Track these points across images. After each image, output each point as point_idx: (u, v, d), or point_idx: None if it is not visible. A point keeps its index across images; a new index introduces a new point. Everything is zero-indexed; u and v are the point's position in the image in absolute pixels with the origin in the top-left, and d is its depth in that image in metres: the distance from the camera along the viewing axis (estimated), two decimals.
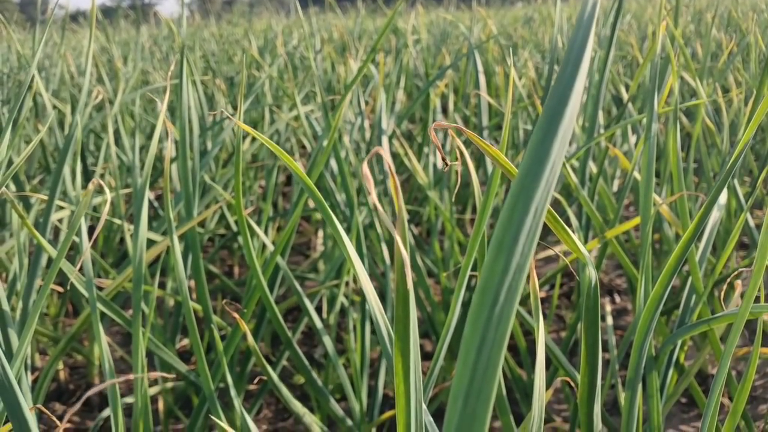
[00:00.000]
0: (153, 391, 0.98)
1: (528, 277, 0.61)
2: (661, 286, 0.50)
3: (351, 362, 0.83)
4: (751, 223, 1.04)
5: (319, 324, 0.79)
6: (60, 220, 1.30)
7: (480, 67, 1.25)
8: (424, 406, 0.33)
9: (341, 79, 1.80)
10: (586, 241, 0.99)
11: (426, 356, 1.20)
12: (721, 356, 0.41)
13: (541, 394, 0.36)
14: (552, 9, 5.41)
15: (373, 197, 0.22)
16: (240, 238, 1.27)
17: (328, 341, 0.79)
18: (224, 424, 0.56)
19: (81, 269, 1.22)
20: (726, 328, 1.16)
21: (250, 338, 0.58)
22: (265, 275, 0.71)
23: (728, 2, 3.15)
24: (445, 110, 1.97)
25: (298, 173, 0.41)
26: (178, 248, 0.61)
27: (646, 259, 0.64)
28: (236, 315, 0.55)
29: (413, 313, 0.25)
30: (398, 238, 0.22)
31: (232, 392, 0.61)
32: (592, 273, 0.40)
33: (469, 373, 0.21)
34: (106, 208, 0.53)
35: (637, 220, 0.75)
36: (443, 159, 0.35)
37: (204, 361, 0.61)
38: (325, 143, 1.15)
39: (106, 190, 0.51)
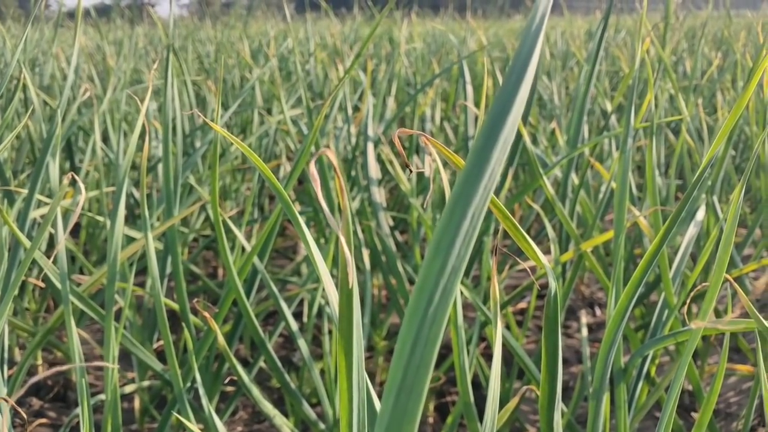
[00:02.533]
0: (129, 389, 0.98)
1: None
2: (626, 298, 0.51)
3: (325, 366, 0.83)
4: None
5: (294, 327, 0.79)
6: (43, 216, 1.30)
7: (468, 78, 1.26)
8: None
9: (332, 85, 1.81)
10: (564, 253, 0.99)
11: None
12: (675, 369, 0.42)
13: (494, 400, 0.36)
14: (548, 22, 5.44)
15: (319, 197, 0.22)
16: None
17: (303, 344, 0.79)
18: (191, 424, 0.56)
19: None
20: (702, 343, 1.17)
21: (221, 339, 0.58)
22: (241, 276, 0.71)
23: (721, 22, 3.18)
24: (442, 121, 1.98)
25: (268, 176, 0.41)
26: (152, 246, 0.61)
27: (617, 272, 0.65)
28: (207, 315, 0.56)
29: (357, 312, 0.26)
30: (342, 238, 0.23)
31: (201, 391, 0.62)
32: (552, 284, 0.41)
33: (402, 370, 0.21)
34: (80, 204, 0.53)
35: (611, 234, 0.76)
36: (406, 165, 0.36)
37: (175, 360, 0.61)
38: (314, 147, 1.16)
39: (81, 186, 0.52)
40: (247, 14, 4.27)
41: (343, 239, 0.23)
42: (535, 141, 1.75)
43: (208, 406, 0.57)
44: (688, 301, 0.47)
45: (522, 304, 1.39)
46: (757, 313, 0.50)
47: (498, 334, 0.40)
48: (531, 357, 1.12)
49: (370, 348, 1.22)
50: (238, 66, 2.41)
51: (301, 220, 0.39)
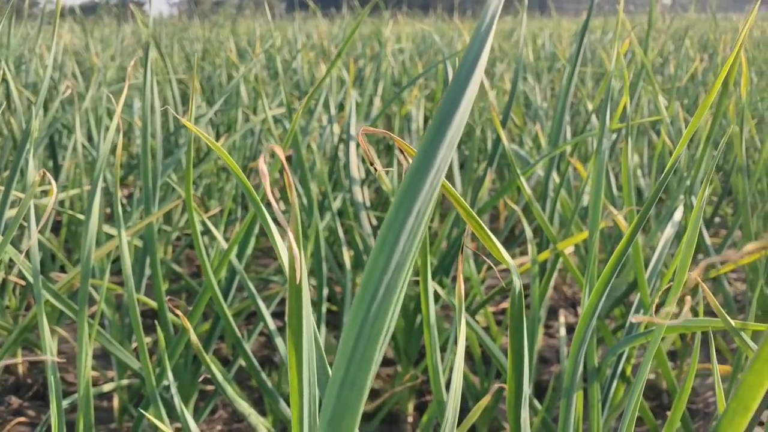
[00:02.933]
0: (108, 387, 0.98)
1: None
2: (595, 297, 0.51)
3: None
4: (708, 241, 1.06)
5: (272, 326, 0.79)
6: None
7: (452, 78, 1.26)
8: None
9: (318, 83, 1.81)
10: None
11: (386, 362, 1.21)
12: (640, 367, 0.42)
13: (456, 398, 0.37)
14: (536, 23, 5.46)
15: (268, 192, 0.23)
16: (206, 238, 1.27)
17: (281, 343, 0.79)
18: (163, 426, 0.56)
19: (40, 262, 1.22)
20: (681, 343, 1.18)
21: (193, 338, 0.58)
22: (218, 274, 0.71)
23: (708, 25, 3.20)
24: (425, 119, 1.98)
25: (237, 173, 0.41)
26: (125, 243, 0.61)
27: (591, 271, 0.65)
28: (180, 314, 0.56)
29: (307, 308, 0.26)
30: (290, 234, 0.23)
31: (173, 390, 0.62)
32: (516, 282, 0.41)
33: (345, 364, 0.21)
34: (52, 201, 0.53)
35: (586, 234, 0.76)
36: (371, 164, 0.36)
37: (147, 359, 0.61)
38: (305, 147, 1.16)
39: (53, 183, 0.51)
40: (237, 13, 4.26)
41: (291, 236, 0.23)
42: (521, 141, 1.76)
43: (181, 406, 0.57)
44: (655, 302, 0.48)
45: (505, 304, 1.40)
46: (724, 313, 0.50)
47: (461, 333, 0.40)
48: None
49: None
50: (225, 65, 2.41)
51: (269, 219, 0.39)
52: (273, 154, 1.78)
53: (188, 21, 4.35)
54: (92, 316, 1.34)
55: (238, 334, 0.71)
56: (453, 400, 0.37)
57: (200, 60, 2.97)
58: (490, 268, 1.27)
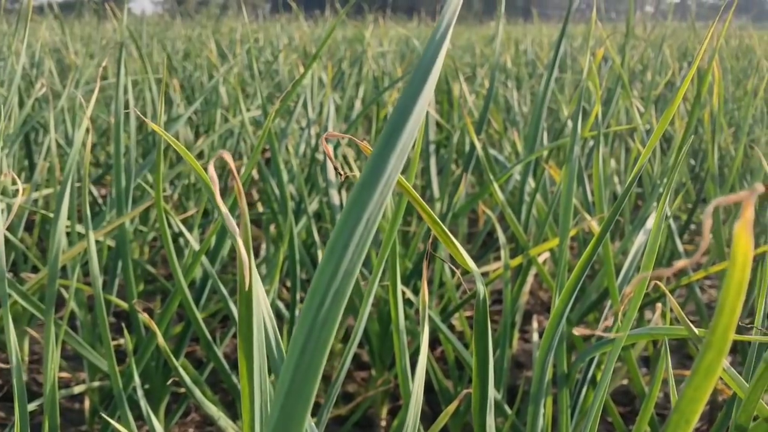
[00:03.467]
0: (78, 389, 0.97)
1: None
2: (562, 304, 0.51)
3: None
4: (680, 248, 1.07)
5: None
6: None
7: None
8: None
9: (300, 85, 1.81)
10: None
11: (361, 366, 1.21)
12: (602, 374, 0.43)
13: (417, 402, 0.37)
14: (519, 29, 5.49)
15: (218, 199, 0.23)
16: (181, 239, 1.26)
17: None
18: (126, 431, 0.56)
19: (12, 262, 1.20)
20: (654, 349, 1.19)
21: (161, 341, 0.58)
22: (189, 276, 0.70)
23: (687, 34, 3.24)
24: None
25: (202, 176, 0.41)
26: (93, 244, 0.61)
27: (561, 277, 0.66)
28: (147, 317, 0.55)
29: (258, 315, 0.26)
30: (240, 241, 0.23)
31: (140, 393, 0.61)
32: (480, 289, 0.41)
33: (291, 373, 0.21)
34: (19, 199, 0.53)
35: (557, 240, 0.77)
36: (335, 169, 0.36)
37: (114, 362, 0.60)
38: (287, 148, 1.16)
39: (18, 181, 0.51)
40: (220, 13, 4.25)
41: (241, 244, 0.23)
42: (501, 146, 1.76)
43: (147, 409, 0.57)
44: (621, 309, 0.48)
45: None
46: (687, 321, 0.51)
47: (424, 340, 0.40)
48: None
49: None
50: (207, 65, 2.40)
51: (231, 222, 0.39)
52: (263, 149, 1.78)
53: (171, 20, 4.32)
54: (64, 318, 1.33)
55: (209, 338, 0.71)
56: (414, 406, 0.37)
57: (182, 60, 2.96)
58: (467, 272, 1.27)
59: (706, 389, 0.20)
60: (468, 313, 1.33)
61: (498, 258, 1.52)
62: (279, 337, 0.41)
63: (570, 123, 1.18)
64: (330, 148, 0.35)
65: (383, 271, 1.00)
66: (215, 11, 4.78)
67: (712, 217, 1.09)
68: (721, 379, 0.62)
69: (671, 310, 1.39)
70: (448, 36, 0.25)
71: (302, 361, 0.21)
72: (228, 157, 0.22)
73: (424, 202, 0.39)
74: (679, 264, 0.19)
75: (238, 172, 1.53)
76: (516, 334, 1.27)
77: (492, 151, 1.53)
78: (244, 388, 0.27)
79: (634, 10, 1.38)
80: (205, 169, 0.32)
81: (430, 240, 0.42)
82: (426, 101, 0.24)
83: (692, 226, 1.67)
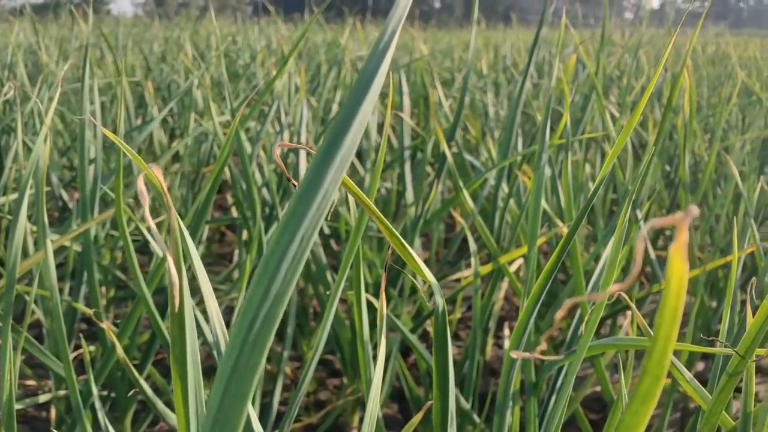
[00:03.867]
0: (44, 398, 0.95)
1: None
2: (525, 314, 0.51)
3: None
4: (652, 255, 1.07)
5: (210, 337, 0.77)
6: None
7: (405, 89, 1.26)
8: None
9: (275, 88, 1.80)
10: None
11: (334, 373, 1.20)
12: (563, 383, 0.42)
13: (372, 416, 0.36)
14: (500, 34, 5.51)
15: (146, 214, 0.22)
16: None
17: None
18: None
19: None
20: (626, 357, 1.19)
21: (119, 350, 0.56)
22: (151, 284, 0.69)
23: (663, 41, 3.26)
24: (380, 128, 1.98)
25: (154, 182, 0.40)
26: (50, 250, 0.59)
27: (529, 286, 0.65)
28: (105, 326, 0.54)
29: (191, 336, 0.25)
30: (170, 259, 0.22)
31: (97, 404, 0.60)
32: (439, 300, 0.41)
33: (218, 400, 0.20)
34: None
35: (525, 249, 0.76)
36: (288, 178, 0.35)
37: (71, 371, 0.59)
38: (259, 153, 1.14)
39: None
40: (199, 15, 4.22)
41: (171, 262, 0.22)
42: (478, 152, 1.76)
43: (105, 421, 0.55)
44: (586, 318, 0.48)
45: (456, 314, 1.40)
46: (650, 331, 0.51)
47: (381, 351, 0.40)
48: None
49: (299, 358, 1.21)
50: (184, 67, 2.37)
51: (183, 231, 0.38)
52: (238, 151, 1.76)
53: (150, 22, 4.29)
54: (31, 326, 1.31)
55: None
56: (370, 417, 0.36)
57: (159, 62, 2.93)
58: (444, 277, 1.27)
59: (644, 415, 0.19)
60: None
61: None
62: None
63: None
64: (280, 159, 0.34)
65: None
66: (195, 13, 4.75)
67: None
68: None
69: (646, 315, 1.39)
70: (392, 46, 0.25)
71: (230, 388, 0.21)
72: (158, 172, 0.21)
73: (381, 215, 0.39)
74: (614, 288, 0.18)
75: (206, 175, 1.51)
76: (490, 341, 1.27)
77: (468, 157, 1.53)
78: (179, 411, 0.26)
79: (612, 16, 1.39)
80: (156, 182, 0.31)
81: (390, 251, 0.42)
82: (366, 114, 0.23)
83: (667, 232, 1.68)
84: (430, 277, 0.40)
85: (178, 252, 0.23)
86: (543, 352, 0.92)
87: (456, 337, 1.35)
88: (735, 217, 0.67)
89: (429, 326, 1.28)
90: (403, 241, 0.39)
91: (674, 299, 0.18)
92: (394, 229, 0.39)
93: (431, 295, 1.17)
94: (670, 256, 0.17)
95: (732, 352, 0.44)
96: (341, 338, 1.06)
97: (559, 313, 0.20)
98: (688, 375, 0.49)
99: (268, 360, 1.19)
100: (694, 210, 0.17)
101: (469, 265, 1.43)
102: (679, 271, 0.18)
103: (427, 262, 1.48)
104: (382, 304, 0.42)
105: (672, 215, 0.17)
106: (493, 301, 1.08)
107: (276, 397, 0.90)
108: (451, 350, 1.12)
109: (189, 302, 0.24)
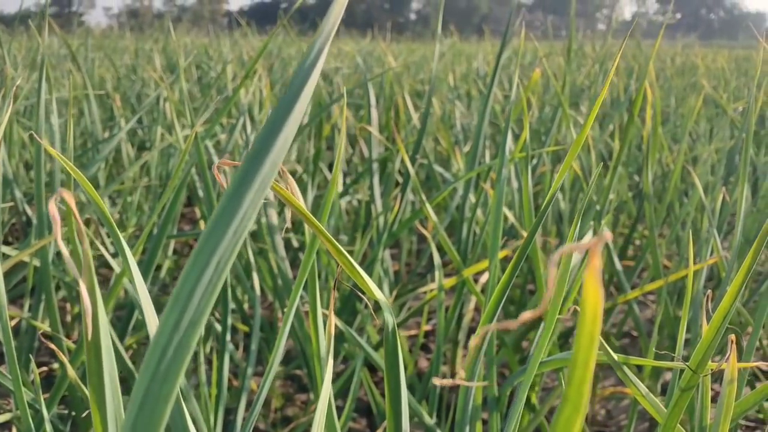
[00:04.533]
0: (4, 418, 0.93)
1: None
2: (482, 327, 0.50)
3: (201, 395, 0.80)
4: (618, 266, 1.08)
5: None
6: None
7: (373, 101, 1.26)
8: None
9: (245, 102, 1.78)
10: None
11: (302, 388, 1.18)
12: (516, 396, 0.42)
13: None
14: (472, 46, 5.55)
15: (58, 239, 0.21)
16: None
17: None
18: None
19: None
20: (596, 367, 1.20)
21: (70, 371, 0.55)
22: (108, 301, 0.68)
23: (633, 52, 3.30)
24: (353, 143, 1.97)
25: (91, 193, 0.39)
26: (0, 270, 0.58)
27: (492, 299, 0.65)
28: (54, 347, 0.52)
29: (109, 366, 0.24)
30: (83, 285, 0.21)
31: (48, 428, 0.58)
32: (389, 318, 0.40)
33: (129, 430, 0.20)
34: None
35: (487, 263, 0.76)
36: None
37: (21, 392, 0.57)
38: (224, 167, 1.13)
39: None
40: (174, 28, 4.19)
41: (84, 288, 0.21)
42: (449, 164, 1.76)
43: None
44: (538, 336, 0.47)
45: (427, 326, 1.39)
46: (606, 346, 0.50)
47: (328, 372, 0.39)
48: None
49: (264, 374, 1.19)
50: (153, 81, 2.35)
51: (125, 247, 0.37)
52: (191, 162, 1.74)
53: (121, 33, 4.25)
54: None
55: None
56: None
57: (129, 74, 2.90)
58: (414, 288, 1.26)
59: None
60: (412, 332, 1.32)
61: (445, 275, 1.51)
62: None
63: (513, 142, 1.18)
64: (219, 176, 0.33)
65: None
66: (168, 24, 4.72)
67: (649, 235, 1.10)
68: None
69: (615, 325, 1.40)
70: (318, 64, 0.24)
71: (140, 419, 0.20)
72: (69, 197, 0.21)
73: (328, 234, 0.38)
74: (525, 316, 0.18)
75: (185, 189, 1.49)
76: (461, 352, 1.26)
77: (439, 169, 1.53)
78: None
79: (585, 28, 1.40)
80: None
81: (339, 269, 0.41)
82: (289, 136, 0.23)
83: (637, 242, 1.69)
84: (379, 295, 0.39)
85: (92, 277, 0.22)
86: (511, 364, 0.92)
87: (427, 349, 1.35)
88: (691, 231, 0.68)
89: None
90: (351, 259, 0.38)
91: (590, 325, 0.18)
92: (341, 248, 0.38)
93: (402, 305, 1.16)
94: (584, 282, 0.17)
95: (684, 366, 0.44)
96: (307, 353, 1.04)
97: (475, 339, 0.19)
98: (644, 389, 0.49)
99: (235, 376, 1.18)
100: (608, 235, 0.17)
101: (447, 275, 1.42)
102: (593, 297, 0.17)
103: (397, 273, 1.47)
104: (330, 323, 0.42)
105: (595, 238, 0.17)
106: (463, 312, 1.08)
107: (240, 414, 0.89)
108: (421, 362, 1.11)
109: (106, 330, 0.24)
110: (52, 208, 0.21)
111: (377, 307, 1.12)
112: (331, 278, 1.09)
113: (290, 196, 0.38)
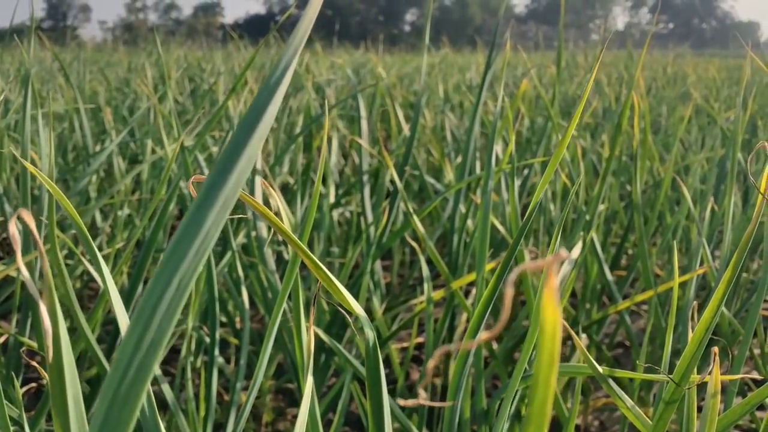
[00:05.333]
0: None
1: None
2: (468, 339, 0.50)
3: (189, 410, 0.80)
4: (609, 276, 1.07)
5: (157, 371, 0.75)
6: None
7: (363, 112, 1.26)
8: None
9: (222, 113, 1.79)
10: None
11: (293, 403, 1.18)
12: (501, 408, 0.41)
13: None
14: (465, 58, 5.57)
15: (18, 261, 0.20)
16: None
17: (167, 389, 0.75)
18: None
19: None
20: (586, 379, 1.19)
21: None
22: (92, 318, 0.67)
23: (624, 62, 3.32)
24: (345, 155, 1.97)
25: (68, 209, 0.39)
26: None
27: (477, 311, 0.64)
28: (35, 363, 0.52)
29: (74, 385, 0.24)
30: (43, 307, 0.21)
31: None
32: (369, 334, 0.40)
33: None
34: None
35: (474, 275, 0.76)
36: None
37: (5, 410, 0.57)
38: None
39: None
40: (169, 42, 4.20)
41: (44, 310, 0.21)
42: (441, 175, 1.76)
43: None
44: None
45: (419, 338, 1.39)
46: (591, 358, 0.50)
47: (307, 389, 0.39)
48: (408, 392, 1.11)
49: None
50: (147, 94, 2.36)
51: (102, 263, 0.37)
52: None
53: (115, 46, 4.26)
54: None
55: None
56: None
57: (122, 87, 2.90)
58: (404, 301, 1.26)
59: None
60: (404, 344, 1.31)
61: (436, 287, 1.51)
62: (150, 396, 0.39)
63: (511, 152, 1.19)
64: (193, 190, 0.33)
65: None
66: (160, 37, 4.73)
67: (639, 245, 1.09)
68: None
69: (608, 335, 1.39)
70: (284, 81, 0.24)
71: None
72: (28, 217, 0.20)
73: (307, 250, 0.38)
74: (483, 336, 0.17)
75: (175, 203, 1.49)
76: (452, 365, 1.26)
77: (430, 180, 1.53)
78: None
79: (578, 39, 1.40)
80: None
81: (318, 287, 0.41)
82: (255, 152, 0.23)
83: (630, 251, 1.69)
84: (359, 310, 0.39)
85: (53, 298, 0.22)
86: (501, 377, 0.92)
87: (420, 361, 1.34)
88: (683, 241, 0.68)
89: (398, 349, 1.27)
90: (328, 272, 0.38)
91: (550, 343, 0.17)
92: (319, 262, 0.38)
93: (395, 317, 1.15)
94: (543, 301, 0.17)
95: (667, 379, 0.44)
96: (299, 366, 1.04)
97: (431, 363, 0.19)
98: (629, 402, 0.49)
99: (225, 390, 1.17)
100: (563, 254, 0.17)
101: (435, 287, 1.42)
102: (552, 316, 0.17)
103: (389, 285, 1.47)
104: (310, 337, 0.41)
105: (555, 254, 0.16)
106: (456, 324, 1.07)
107: (229, 429, 0.88)
108: (414, 374, 1.10)
109: (68, 351, 0.23)
110: (12, 229, 0.21)
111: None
112: (321, 291, 1.09)
113: (267, 211, 0.37)
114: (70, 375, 0.24)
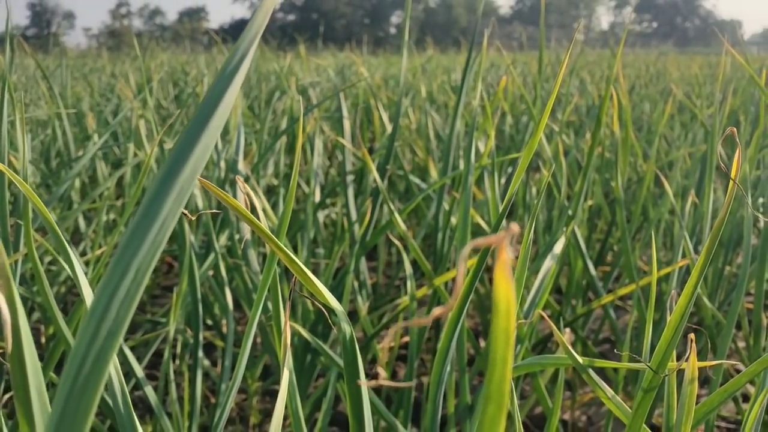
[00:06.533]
0: None
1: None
2: (446, 339, 0.50)
3: (173, 413, 0.79)
4: (593, 271, 1.08)
5: (140, 373, 0.75)
6: None
7: (345, 113, 1.26)
8: None
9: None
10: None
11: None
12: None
13: None
14: (450, 59, 5.58)
15: None
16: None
17: (150, 391, 0.75)
18: None
19: None
20: (573, 374, 1.20)
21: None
22: (72, 321, 0.67)
23: (609, 61, 3.34)
24: (331, 156, 1.97)
25: (42, 211, 0.38)
26: None
27: (458, 309, 0.64)
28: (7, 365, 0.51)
29: (36, 377, 0.24)
30: (3, 301, 0.20)
31: None
32: (346, 328, 0.40)
33: None
34: None
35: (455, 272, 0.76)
36: (184, 214, 0.34)
37: None
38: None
39: None
40: (146, 47, 4.19)
41: (4, 304, 0.21)
42: (425, 176, 1.77)
43: None
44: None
45: (406, 338, 1.39)
46: (572, 350, 0.50)
47: (284, 383, 0.38)
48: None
49: (242, 390, 1.18)
50: (130, 99, 2.34)
51: (77, 263, 0.36)
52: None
53: (98, 52, 4.24)
54: None
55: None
56: None
57: (106, 93, 2.89)
58: (390, 300, 1.26)
59: None
60: (391, 343, 1.31)
61: (421, 285, 1.51)
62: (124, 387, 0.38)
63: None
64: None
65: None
66: (142, 43, 4.72)
67: (621, 240, 1.10)
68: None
69: (593, 331, 1.40)
70: (239, 73, 0.24)
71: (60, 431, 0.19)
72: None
73: (280, 244, 0.38)
74: (436, 311, 0.17)
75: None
76: None
77: (415, 179, 1.53)
78: None
79: (562, 38, 1.41)
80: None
81: (293, 283, 0.41)
82: (209, 144, 0.22)
83: (615, 247, 1.70)
84: (335, 304, 0.39)
85: (11, 290, 0.22)
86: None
87: (406, 359, 1.34)
88: (666, 234, 0.68)
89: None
90: (304, 268, 0.38)
91: (504, 320, 0.17)
92: (295, 257, 0.38)
93: (381, 316, 1.15)
94: (495, 277, 0.17)
95: (645, 367, 0.44)
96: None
97: (386, 340, 0.19)
98: (610, 392, 0.49)
99: (212, 392, 1.16)
100: (514, 228, 0.17)
101: (420, 285, 1.42)
102: (505, 292, 0.17)
103: (375, 285, 1.47)
104: (285, 334, 0.41)
105: (502, 232, 0.16)
106: (441, 322, 1.07)
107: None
108: (401, 373, 1.10)
109: (29, 341, 0.23)
110: None
111: (353, 318, 1.11)
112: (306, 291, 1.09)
113: (245, 211, 0.37)
114: (31, 365, 0.24)
